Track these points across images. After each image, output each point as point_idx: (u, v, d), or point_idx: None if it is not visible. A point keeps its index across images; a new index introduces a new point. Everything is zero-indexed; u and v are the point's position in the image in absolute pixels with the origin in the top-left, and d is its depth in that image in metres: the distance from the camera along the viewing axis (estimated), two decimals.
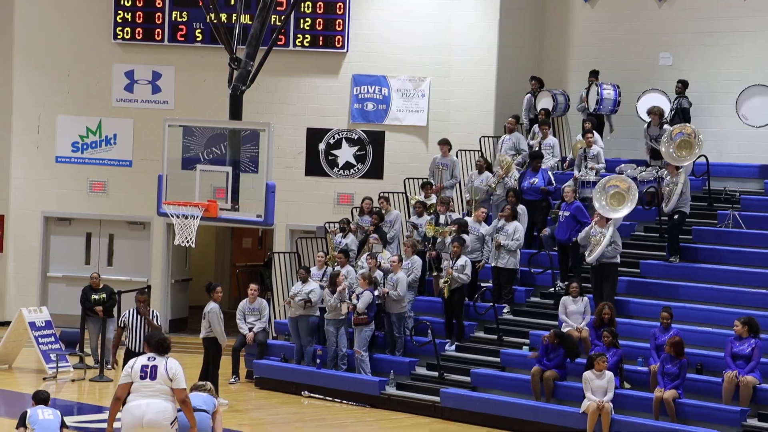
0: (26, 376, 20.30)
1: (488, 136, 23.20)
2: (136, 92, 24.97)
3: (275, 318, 21.81)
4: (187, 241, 17.19)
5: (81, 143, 25.15)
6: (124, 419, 11.37)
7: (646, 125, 21.36)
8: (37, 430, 11.06)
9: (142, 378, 11.38)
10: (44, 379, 19.84)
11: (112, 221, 25.28)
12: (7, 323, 21.51)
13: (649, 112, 21.15)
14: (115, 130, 25.03)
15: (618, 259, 18.58)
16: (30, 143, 25.25)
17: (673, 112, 21.57)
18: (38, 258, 25.29)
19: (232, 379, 20.22)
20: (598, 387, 16.49)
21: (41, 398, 11.34)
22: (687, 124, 20.24)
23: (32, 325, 20.47)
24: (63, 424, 11.22)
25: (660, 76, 22.77)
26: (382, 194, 22.01)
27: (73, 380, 19.92)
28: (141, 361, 11.49)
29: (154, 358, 11.49)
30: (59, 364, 20.10)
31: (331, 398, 19.08)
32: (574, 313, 18.29)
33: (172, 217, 17.35)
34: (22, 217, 25.28)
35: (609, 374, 16.53)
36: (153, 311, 17.70)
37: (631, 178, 19.26)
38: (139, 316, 17.24)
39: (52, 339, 20.58)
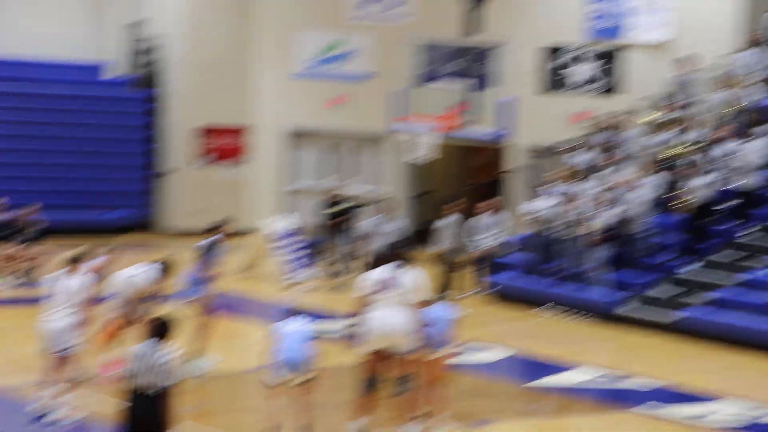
0: (270, 283, 20.96)
1: (731, 53, 22.49)
2: (376, 7, 25.19)
3: (514, 233, 21.84)
4: (422, 157, 17.40)
5: (322, 58, 25.59)
6: (367, 328, 11.57)
7: None
8: (284, 338, 11.44)
9: (384, 289, 11.48)
10: (287, 287, 20.45)
11: (352, 134, 25.73)
12: (253, 232, 22.21)
13: None
14: (355, 44, 25.37)
15: None
16: (273, 59, 25.86)
17: None
18: (281, 169, 26.01)
19: (474, 291, 20.41)
20: None
21: (293, 312, 11.72)
22: None
23: (276, 234, 21.08)
24: (312, 334, 11.57)
25: None
26: (621, 111, 21.66)
27: (314, 289, 20.47)
28: (382, 271, 11.59)
29: (396, 269, 11.60)
30: (301, 273, 20.67)
31: (569, 312, 19.07)
32: None
33: (409, 131, 17.57)
34: (267, 131, 26.02)
35: None
36: (396, 219, 17.85)
37: None
38: (384, 224, 17.46)
39: (296, 248, 21.15)
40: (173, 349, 9.26)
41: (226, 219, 14.25)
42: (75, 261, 12.16)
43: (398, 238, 17.65)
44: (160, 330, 9.28)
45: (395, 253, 11.75)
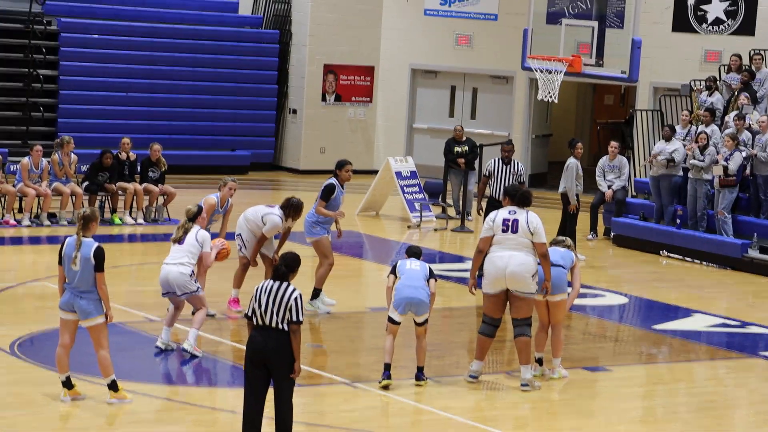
0: (392, 223, 21.12)
1: None
2: None
3: (635, 176, 21.62)
4: (550, 96, 17.26)
5: None
6: (487, 270, 11.62)
7: None
8: (403, 277, 11.57)
9: (504, 231, 11.54)
10: (408, 227, 20.57)
11: (477, 75, 25.64)
12: (376, 172, 22.35)
13: None
14: None
15: None
16: None
17: None
18: (405, 109, 26.07)
19: (590, 236, 20.30)
20: None
21: (413, 252, 11.84)
22: None
23: (398, 174, 21.19)
24: (431, 275, 11.67)
25: None
26: (753, 51, 21.16)
27: (435, 230, 20.56)
28: (502, 214, 11.65)
29: (515, 212, 11.63)
30: (423, 214, 20.78)
31: (690, 259, 18.86)
32: None
33: (536, 71, 17.42)
34: (391, 69, 26.06)
35: None
36: (516, 162, 17.80)
37: None
38: (504, 166, 17.42)
39: (417, 189, 21.25)
40: (296, 288, 9.45)
41: (346, 160, 14.32)
42: (196, 216, 12.44)
43: (519, 180, 17.61)
44: (286, 268, 9.47)
45: (516, 194, 11.75)
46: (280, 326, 9.32)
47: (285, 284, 9.41)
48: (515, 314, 11.61)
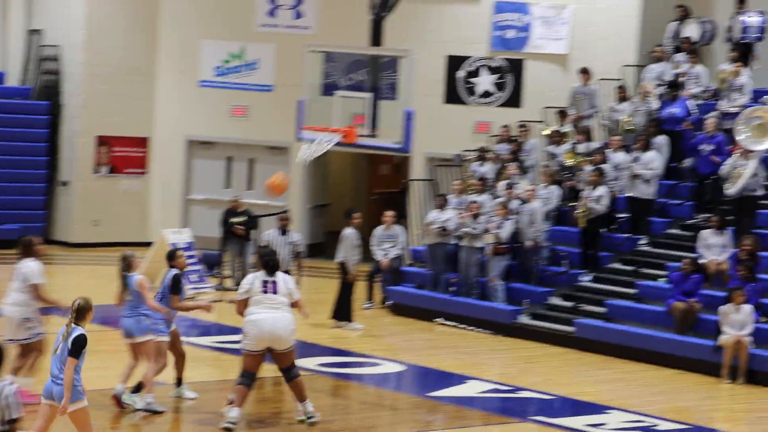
0: None
1: (631, 65, 22.79)
2: (278, 17, 25.18)
3: (411, 245, 21.93)
4: (306, 160, 17.28)
5: (224, 68, 25.49)
6: (250, 331, 12.24)
7: None
8: None
9: (264, 292, 12.28)
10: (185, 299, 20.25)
11: (253, 145, 25.65)
12: (151, 244, 22.01)
13: None
14: (258, 54, 25.31)
15: (760, 192, 18.17)
16: (174, 67, 25.70)
17: None
18: (181, 180, 25.84)
19: (367, 304, 20.45)
20: (735, 321, 16.27)
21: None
22: (765, 106, 19.32)
23: (174, 246, 20.89)
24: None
25: None
26: (521, 122, 21.85)
27: (212, 301, 20.33)
28: (260, 276, 12.37)
29: (271, 274, 12.35)
30: (200, 286, 20.54)
31: (464, 326, 19.18)
32: (714, 246, 18.00)
33: (311, 142, 17.52)
34: (167, 141, 25.82)
35: (747, 308, 16.29)
36: (293, 232, 17.82)
37: None
38: (282, 236, 17.42)
39: (193, 260, 21.00)
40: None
41: (178, 248, 13.82)
42: None
43: (296, 251, 17.61)
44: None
45: (271, 262, 12.44)
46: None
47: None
48: (282, 365, 12.41)
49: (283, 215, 17.70)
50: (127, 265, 13.02)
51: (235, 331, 18.08)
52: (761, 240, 18.05)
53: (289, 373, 12.41)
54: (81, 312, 10.19)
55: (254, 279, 12.44)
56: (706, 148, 19.20)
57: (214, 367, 15.92)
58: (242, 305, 12.43)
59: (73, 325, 10.14)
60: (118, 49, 25.48)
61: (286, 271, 13.01)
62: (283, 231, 17.28)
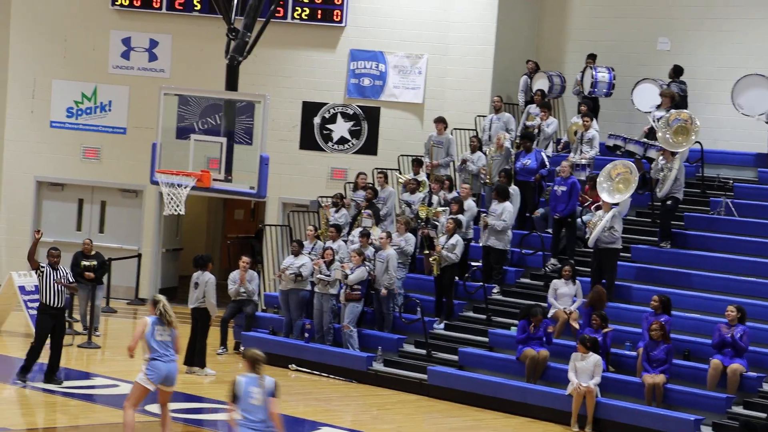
0: (14, 340, 20.30)
1: (484, 115, 23.18)
2: (132, 59, 24.92)
3: (265, 290, 21.82)
4: (176, 210, 17.15)
5: (76, 109, 25.11)
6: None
7: (653, 108, 21.13)
8: None
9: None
10: (32, 343, 19.80)
11: (105, 188, 25.26)
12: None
13: (661, 95, 21.05)
14: (111, 96, 25.00)
15: (618, 245, 18.54)
16: (25, 107, 25.21)
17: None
18: (30, 222, 25.26)
19: (220, 350, 20.26)
20: (583, 369, 16.54)
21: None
22: (684, 110, 20.22)
23: (22, 289, 20.45)
24: None
25: (657, 61, 22.75)
26: (379, 170, 22.00)
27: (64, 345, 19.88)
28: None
29: None
30: None
31: (318, 372, 19.12)
32: (564, 296, 18.33)
33: (163, 186, 17.32)
34: (15, 181, 25.26)
35: (595, 357, 16.57)
36: (63, 268, 17.66)
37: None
38: (52, 272, 17.31)
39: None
40: None
41: None
42: None
43: (72, 285, 17.59)
44: None
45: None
46: None
47: None
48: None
49: (55, 251, 17.60)
50: None
51: (86, 375, 17.76)
52: (616, 291, 18.43)
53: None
54: None
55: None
56: (560, 189, 19.56)
57: (63, 414, 15.56)
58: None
59: None
60: None
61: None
62: (54, 266, 17.19)
